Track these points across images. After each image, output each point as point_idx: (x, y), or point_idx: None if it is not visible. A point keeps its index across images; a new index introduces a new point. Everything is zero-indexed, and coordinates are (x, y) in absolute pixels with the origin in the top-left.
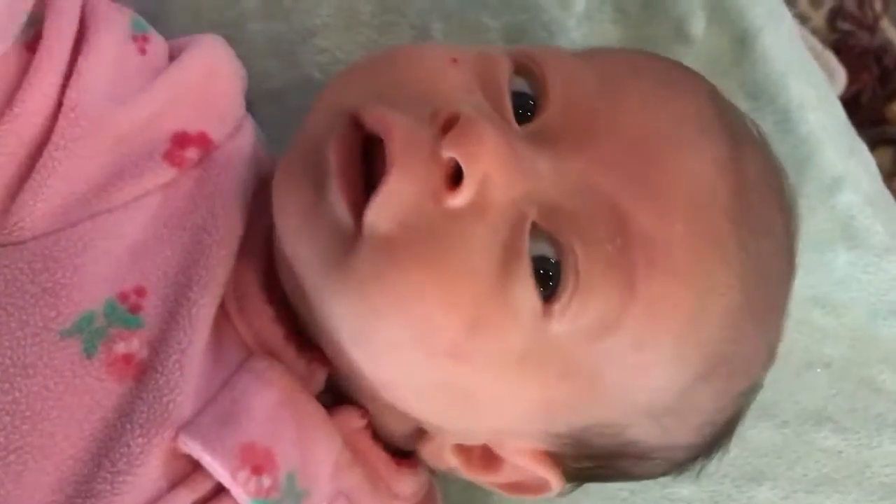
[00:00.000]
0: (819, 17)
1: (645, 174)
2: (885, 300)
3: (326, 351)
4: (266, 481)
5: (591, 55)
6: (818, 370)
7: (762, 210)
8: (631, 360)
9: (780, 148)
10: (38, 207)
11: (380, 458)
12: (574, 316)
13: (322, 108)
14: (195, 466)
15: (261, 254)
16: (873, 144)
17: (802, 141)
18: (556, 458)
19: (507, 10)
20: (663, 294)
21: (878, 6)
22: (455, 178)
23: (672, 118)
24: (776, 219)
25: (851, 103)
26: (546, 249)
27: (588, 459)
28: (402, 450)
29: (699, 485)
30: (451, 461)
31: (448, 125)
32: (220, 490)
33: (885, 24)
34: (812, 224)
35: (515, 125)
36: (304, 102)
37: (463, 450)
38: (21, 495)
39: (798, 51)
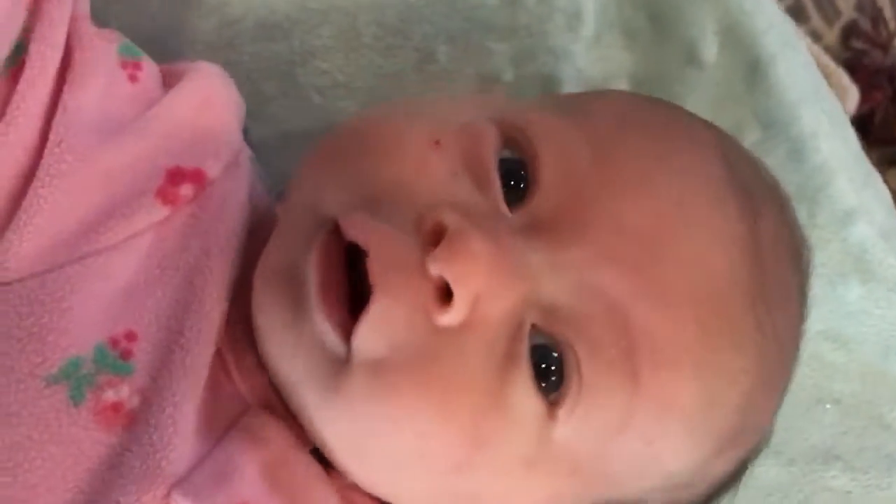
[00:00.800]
0: (832, 35)
1: (649, 268)
2: None
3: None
4: None
5: (587, 114)
6: (827, 406)
7: (780, 274)
8: (642, 453)
9: (793, 178)
10: (24, 247)
11: None
12: (580, 419)
13: (296, 214)
14: None
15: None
16: (886, 164)
17: (816, 171)
18: None
19: (513, 34)
20: (672, 391)
21: (892, 25)
22: (446, 292)
23: (677, 193)
24: (791, 281)
25: (864, 122)
26: (548, 350)
27: None
28: None
29: None
30: None
31: (434, 235)
32: None
33: None
34: (824, 257)
35: (505, 209)
36: (302, 126)
37: None
38: None
39: (813, 78)
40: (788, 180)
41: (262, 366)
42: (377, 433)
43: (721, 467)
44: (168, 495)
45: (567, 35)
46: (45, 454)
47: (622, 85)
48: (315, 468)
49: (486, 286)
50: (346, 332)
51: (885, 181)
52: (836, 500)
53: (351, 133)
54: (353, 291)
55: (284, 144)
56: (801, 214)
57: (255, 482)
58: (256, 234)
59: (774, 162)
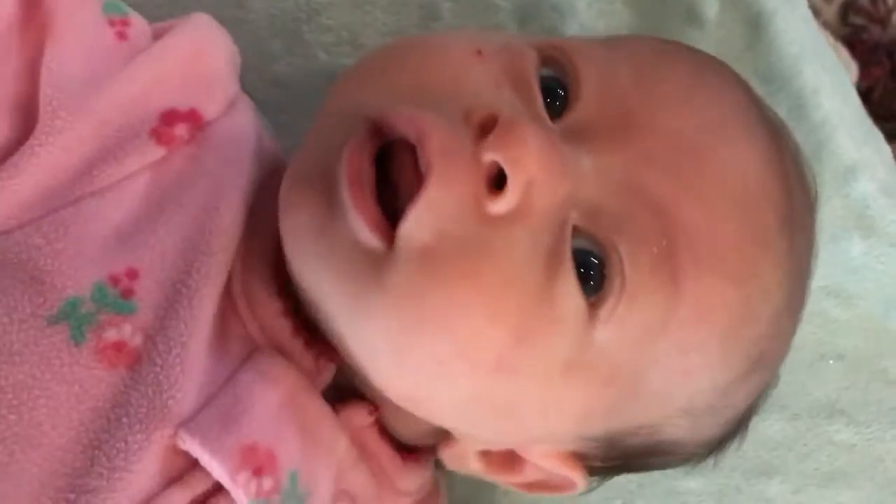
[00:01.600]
0: (831, 11)
1: (691, 170)
2: None
3: (341, 353)
4: (267, 483)
5: (618, 44)
6: (831, 362)
7: (802, 207)
8: (676, 364)
9: (795, 134)
10: (21, 196)
11: (386, 454)
12: (620, 320)
13: (335, 112)
14: (193, 464)
15: (269, 243)
16: (886, 139)
17: (817, 127)
18: (582, 458)
19: None
20: (710, 296)
21: (890, 0)
22: (496, 182)
23: (716, 111)
24: (808, 215)
25: (864, 98)
26: (590, 251)
27: (617, 459)
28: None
29: (708, 478)
30: (473, 466)
31: (486, 126)
32: (218, 488)
33: None
34: (826, 213)
35: (549, 121)
36: (309, 87)
37: (485, 453)
38: (8, 488)
39: (813, 35)
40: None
41: (272, 303)
42: (424, 329)
43: (744, 395)
44: (175, 435)
45: None
46: (49, 392)
47: None
48: (326, 409)
49: (539, 174)
50: (382, 230)
51: None
52: (839, 453)
53: (388, 48)
54: (384, 197)
55: (291, 106)
56: None
57: (263, 423)
58: (268, 184)
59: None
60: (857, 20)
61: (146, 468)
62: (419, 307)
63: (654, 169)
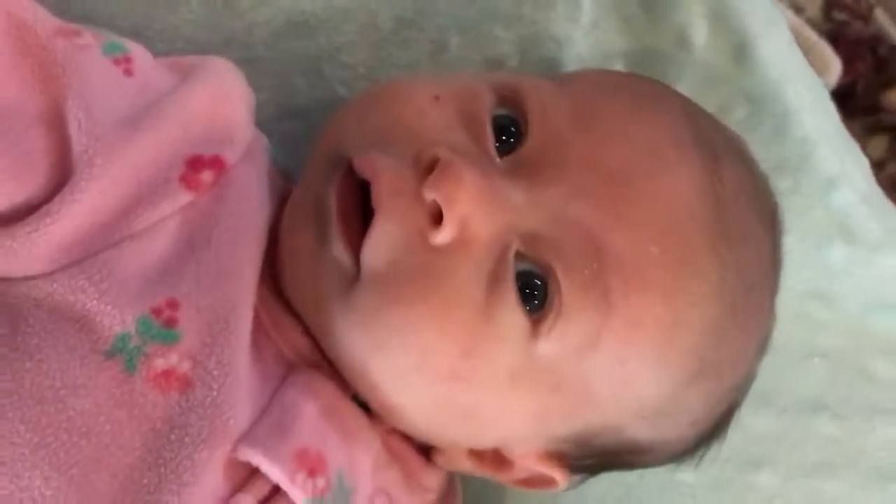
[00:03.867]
0: (814, 8)
1: (619, 200)
2: (878, 294)
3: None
4: (320, 482)
5: (570, 80)
6: (815, 360)
7: (742, 219)
8: (616, 373)
9: (779, 150)
10: (62, 240)
11: (411, 455)
12: (559, 335)
13: (320, 156)
14: (252, 472)
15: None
16: (869, 132)
17: (799, 143)
18: (560, 458)
19: (518, 23)
20: (639, 312)
21: None
22: (439, 216)
23: (646, 142)
24: (756, 224)
25: (847, 92)
26: (534, 273)
27: (591, 457)
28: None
29: (702, 470)
30: (465, 465)
31: (430, 168)
32: (276, 491)
33: (878, 13)
34: (809, 221)
35: (495, 156)
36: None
37: (475, 453)
38: (88, 501)
39: (795, 58)
40: (774, 152)
41: (296, 324)
42: (385, 344)
43: (697, 400)
44: (235, 449)
45: (567, 23)
46: (112, 418)
47: (618, 66)
48: (360, 413)
49: (473, 208)
50: (355, 254)
51: (867, 149)
52: (824, 445)
53: (366, 94)
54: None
55: (309, 136)
56: (787, 183)
57: (311, 429)
58: (279, 214)
59: (761, 136)
60: (840, 16)
61: (212, 481)
62: (379, 324)
63: (585, 201)
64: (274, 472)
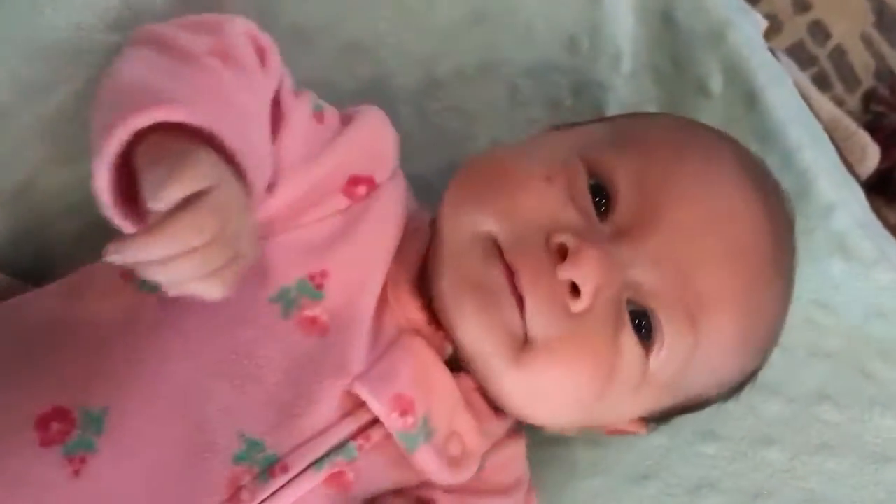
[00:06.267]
0: (854, 101)
1: (702, 246)
2: (875, 304)
3: (478, 381)
4: (409, 420)
5: (643, 137)
6: (821, 359)
7: (785, 239)
8: (707, 371)
9: (784, 181)
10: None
11: (484, 409)
12: (664, 357)
13: (459, 231)
14: (360, 405)
15: (412, 264)
16: None
17: (801, 174)
18: (647, 419)
19: (573, 72)
20: (721, 330)
21: None
22: (574, 288)
23: (718, 195)
24: (789, 232)
25: (885, 178)
26: (641, 312)
27: (672, 415)
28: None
29: (722, 445)
30: (570, 433)
31: (561, 251)
32: (375, 421)
33: None
34: (812, 240)
35: (598, 223)
36: (425, 142)
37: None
38: (244, 409)
39: (797, 104)
40: (781, 182)
41: (414, 301)
42: (549, 390)
43: (756, 365)
44: (351, 384)
45: (611, 72)
46: (267, 348)
47: (651, 109)
48: (447, 374)
49: (601, 280)
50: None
51: None
52: (826, 429)
53: (484, 173)
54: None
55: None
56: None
57: (408, 381)
58: (410, 224)
59: (770, 168)
60: (878, 108)
61: (331, 403)
62: (545, 376)
63: (674, 249)
64: (375, 405)
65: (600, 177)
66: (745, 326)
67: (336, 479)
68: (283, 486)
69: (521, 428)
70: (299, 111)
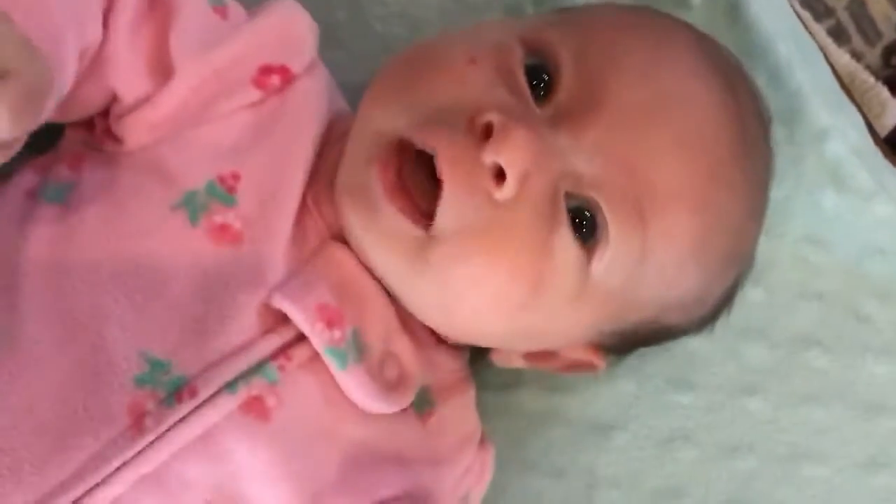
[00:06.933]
0: (873, 55)
1: (651, 132)
2: (871, 239)
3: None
4: (336, 333)
5: (589, 21)
6: (810, 301)
7: (755, 134)
8: (659, 280)
9: (772, 102)
10: (156, 122)
11: (424, 335)
12: (609, 259)
13: (367, 132)
14: (282, 319)
15: (331, 167)
16: None
17: (792, 95)
18: (601, 346)
19: None
20: (674, 227)
21: None
22: (499, 173)
23: (670, 78)
24: (761, 137)
25: None
26: (582, 208)
27: (629, 343)
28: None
29: (697, 394)
30: (517, 363)
31: (485, 133)
32: (300, 339)
33: None
34: (803, 170)
35: (534, 107)
36: (365, 50)
37: (528, 353)
38: (146, 322)
39: (787, 20)
40: (768, 104)
41: (334, 208)
42: (461, 291)
43: (722, 287)
44: (269, 296)
45: None
46: (173, 259)
47: None
48: (379, 290)
49: (530, 164)
50: (420, 219)
51: None
52: (814, 378)
53: (402, 64)
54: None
55: (349, 65)
56: (781, 133)
57: (334, 290)
58: (334, 125)
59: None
60: None
61: (248, 319)
62: (456, 275)
63: (621, 137)
64: (297, 317)
65: (541, 54)
66: (702, 227)
67: (253, 404)
68: (192, 412)
69: (469, 376)
70: (193, 2)
